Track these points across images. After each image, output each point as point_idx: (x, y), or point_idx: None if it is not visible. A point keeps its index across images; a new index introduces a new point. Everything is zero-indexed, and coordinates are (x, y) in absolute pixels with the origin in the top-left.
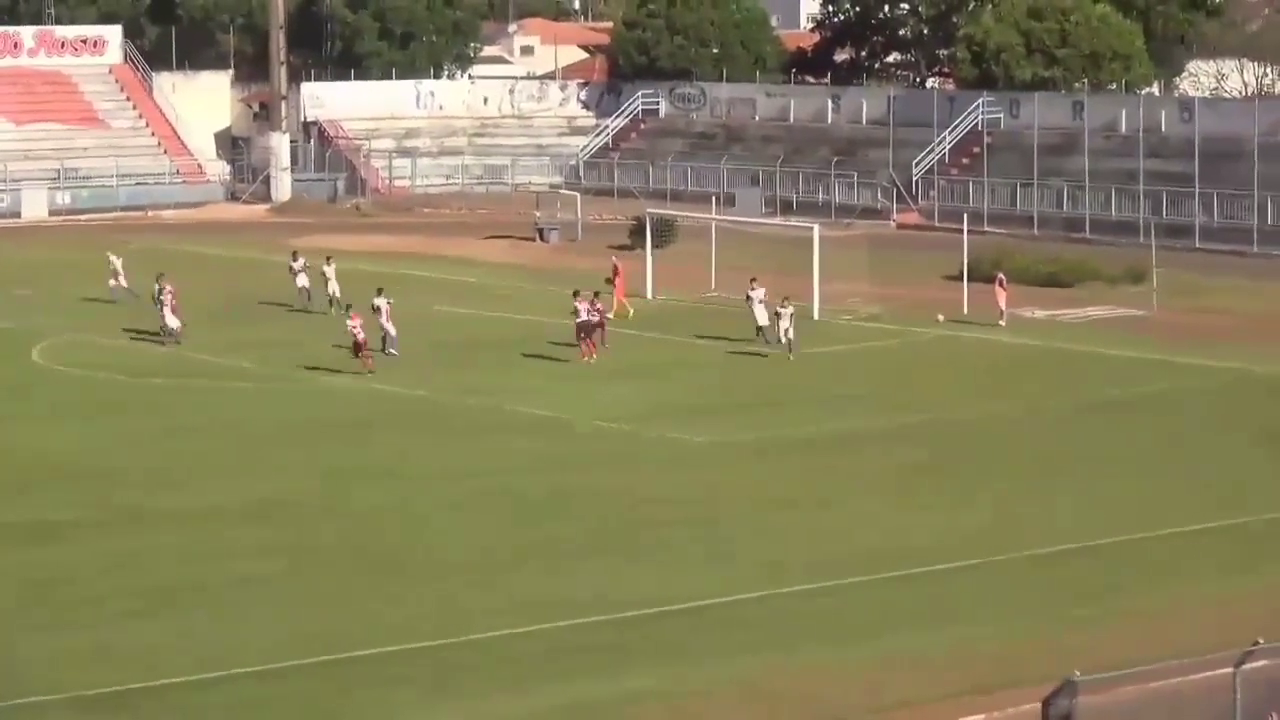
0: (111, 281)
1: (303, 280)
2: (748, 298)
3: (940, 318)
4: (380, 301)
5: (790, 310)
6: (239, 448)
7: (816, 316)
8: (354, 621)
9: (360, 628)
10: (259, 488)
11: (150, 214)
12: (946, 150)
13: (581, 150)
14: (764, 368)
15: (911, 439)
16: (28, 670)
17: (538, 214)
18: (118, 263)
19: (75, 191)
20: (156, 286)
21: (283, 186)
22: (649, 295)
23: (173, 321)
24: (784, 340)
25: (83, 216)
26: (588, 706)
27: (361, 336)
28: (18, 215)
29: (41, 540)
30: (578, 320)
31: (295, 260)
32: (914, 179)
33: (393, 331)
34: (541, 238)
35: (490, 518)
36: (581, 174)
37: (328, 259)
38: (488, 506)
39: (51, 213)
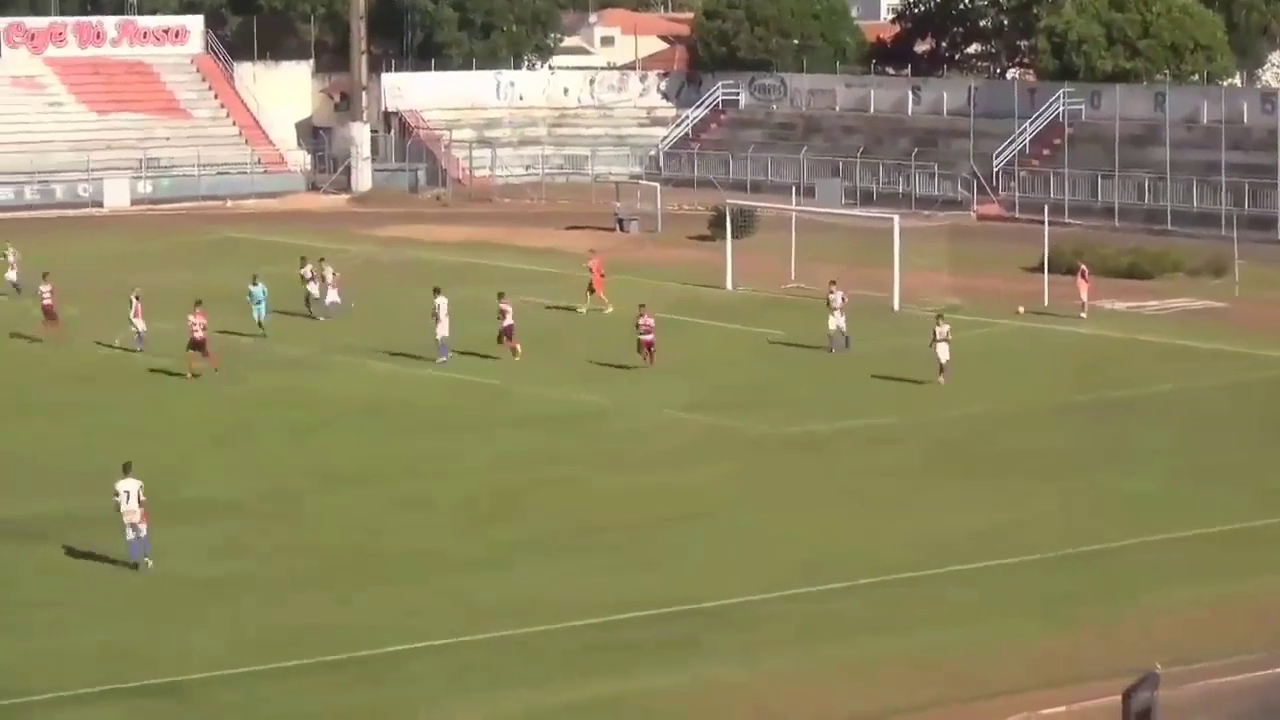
0: (9, 274)
1: (314, 289)
2: (828, 302)
3: (1021, 309)
4: (440, 301)
5: (840, 297)
6: (287, 436)
7: (897, 308)
8: (370, 619)
9: (377, 625)
10: (291, 479)
11: (230, 204)
12: (1027, 142)
13: (661, 141)
14: (838, 360)
15: (979, 431)
16: (68, 663)
17: (617, 204)
18: (13, 256)
19: (156, 181)
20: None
21: (363, 177)
22: (728, 286)
23: (334, 299)
24: (840, 337)
25: (164, 206)
26: (607, 703)
27: (200, 335)
28: (100, 205)
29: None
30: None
31: (304, 267)
32: (994, 170)
33: (443, 333)
34: (621, 228)
35: (499, 513)
36: (661, 165)
37: (320, 259)
38: (501, 502)
39: (133, 202)
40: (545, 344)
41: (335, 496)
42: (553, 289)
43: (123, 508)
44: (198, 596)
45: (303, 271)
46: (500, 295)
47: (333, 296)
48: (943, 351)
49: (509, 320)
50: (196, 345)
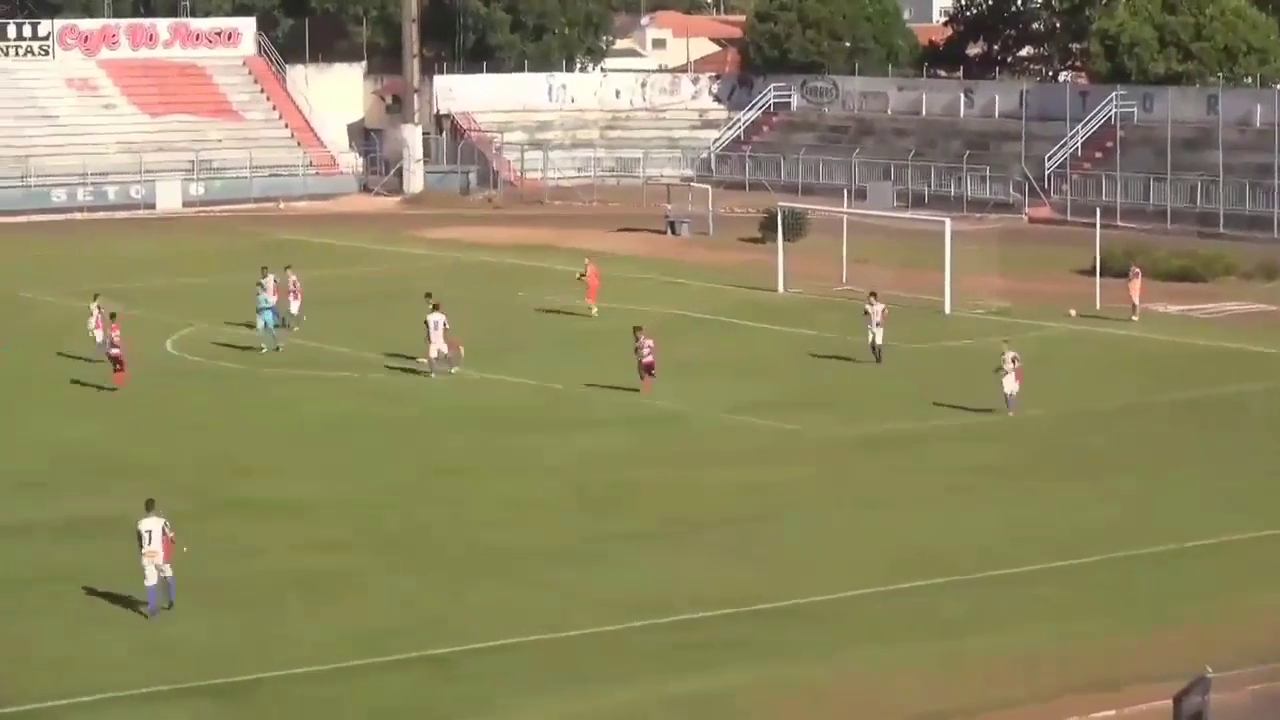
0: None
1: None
2: (865, 312)
3: (1072, 312)
4: (436, 318)
5: (880, 310)
6: (374, 434)
7: (948, 310)
8: (462, 615)
9: (469, 621)
10: (367, 479)
11: (282, 205)
12: (1079, 144)
13: (713, 143)
14: (893, 364)
15: (1027, 434)
16: (154, 659)
17: (669, 207)
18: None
19: (209, 183)
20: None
21: (415, 179)
22: (780, 289)
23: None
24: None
25: (216, 208)
26: (694, 700)
27: (115, 352)
28: (152, 206)
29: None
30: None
31: (264, 277)
32: (1046, 173)
33: (445, 350)
34: (672, 230)
35: (588, 511)
36: (713, 167)
37: (286, 267)
38: (589, 499)
39: (185, 204)
40: (596, 347)
41: (428, 493)
42: (604, 291)
43: (145, 548)
44: (289, 592)
45: (263, 282)
46: (637, 330)
47: (293, 307)
48: (1009, 383)
49: (649, 356)
50: (114, 360)
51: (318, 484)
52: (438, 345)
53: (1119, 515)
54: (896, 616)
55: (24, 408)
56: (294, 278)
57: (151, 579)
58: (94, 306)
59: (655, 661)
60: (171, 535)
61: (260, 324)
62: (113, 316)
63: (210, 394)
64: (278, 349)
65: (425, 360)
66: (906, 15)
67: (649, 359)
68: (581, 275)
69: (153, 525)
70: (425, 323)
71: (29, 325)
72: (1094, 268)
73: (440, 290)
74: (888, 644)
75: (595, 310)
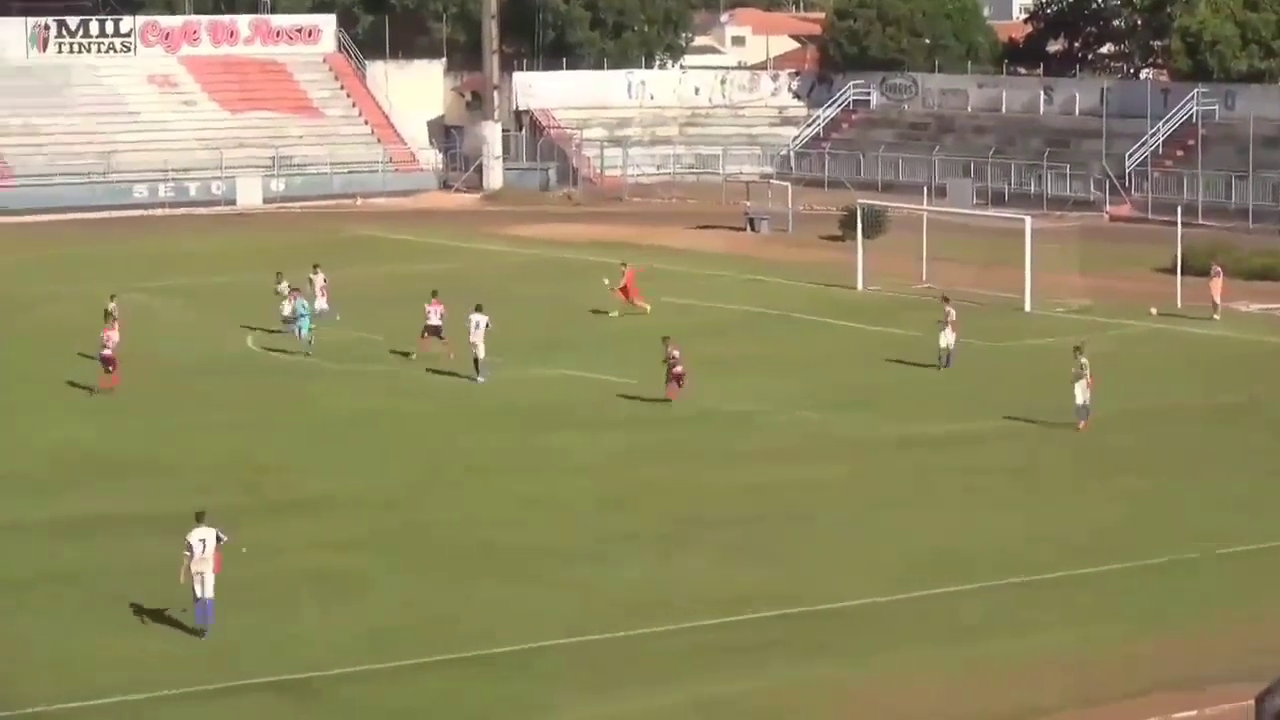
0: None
1: (287, 307)
2: (940, 319)
3: (1153, 310)
4: (478, 317)
5: (953, 313)
6: (399, 432)
7: (1028, 309)
8: (487, 615)
9: (493, 622)
10: (411, 474)
11: (360, 202)
12: (1160, 142)
13: (792, 140)
14: (968, 362)
15: (1063, 436)
16: (186, 659)
17: (748, 204)
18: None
19: (289, 179)
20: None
21: (495, 175)
22: (859, 287)
23: (322, 306)
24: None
25: (296, 204)
26: (726, 703)
27: (107, 353)
28: (233, 203)
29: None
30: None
31: (280, 283)
32: (1127, 171)
33: (482, 354)
34: (752, 228)
35: (608, 510)
36: (792, 164)
37: (315, 267)
38: (610, 498)
39: (265, 200)
40: (648, 346)
41: (452, 492)
42: (683, 288)
43: (195, 558)
44: (312, 592)
45: (279, 288)
46: (666, 340)
47: (321, 304)
48: (1079, 391)
49: (679, 367)
50: (105, 361)
51: (335, 482)
52: (478, 346)
53: (1131, 517)
54: (921, 620)
55: (53, 406)
56: (321, 277)
57: (200, 591)
58: (111, 307)
59: (682, 664)
60: (225, 540)
61: (300, 329)
62: (106, 316)
63: (245, 390)
64: (306, 354)
65: (414, 356)
66: (986, 12)
67: (678, 370)
68: (610, 284)
69: (205, 535)
70: (467, 320)
71: (51, 322)
72: (1175, 266)
73: (508, 288)
74: (913, 648)
75: (648, 307)
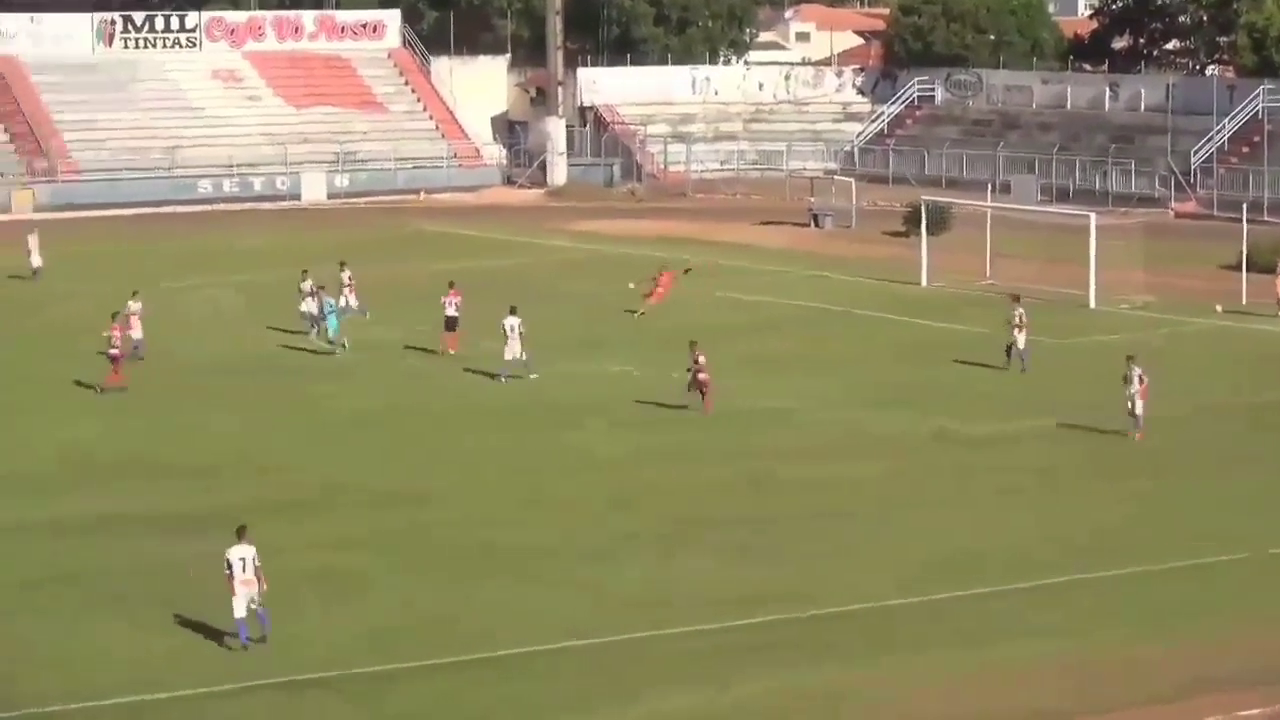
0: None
1: (309, 305)
2: (1009, 319)
3: (1218, 308)
4: (512, 320)
5: (1021, 314)
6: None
7: (1093, 305)
8: (491, 615)
9: (497, 622)
10: (451, 472)
11: (422, 197)
12: (1226, 139)
13: (856, 136)
14: (1028, 368)
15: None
16: (193, 660)
17: (812, 200)
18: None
19: (353, 175)
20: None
21: (559, 171)
22: (923, 283)
23: (352, 304)
24: (1016, 352)
25: (360, 199)
26: (728, 705)
27: (115, 351)
28: (297, 198)
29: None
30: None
31: (304, 281)
32: (1192, 167)
33: (509, 356)
34: (816, 224)
35: (621, 510)
36: (856, 160)
37: (342, 264)
38: (625, 498)
39: (329, 196)
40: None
41: (462, 489)
42: (746, 284)
43: (237, 577)
44: (315, 591)
45: (302, 286)
46: (693, 344)
47: (350, 301)
48: (1137, 402)
49: (704, 374)
50: (113, 360)
51: (336, 480)
52: (513, 348)
53: (1145, 518)
54: (934, 621)
55: (60, 405)
56: (348, 274)
57: (241, 610)
58: (132, 307)
59: (707, 665)
60: (259, 565)
61: (329, 328)
62: (114, 316)
63: (255, 389)
64: (333, 350)
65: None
66: (1051, 8)
67: (703, 376)
68: (637, 284)
69: (245, 553)
70: (502, 326)
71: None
72: (1240, 263)
73: (564, 283)
74: (927, 651)
75: (643, 311)
